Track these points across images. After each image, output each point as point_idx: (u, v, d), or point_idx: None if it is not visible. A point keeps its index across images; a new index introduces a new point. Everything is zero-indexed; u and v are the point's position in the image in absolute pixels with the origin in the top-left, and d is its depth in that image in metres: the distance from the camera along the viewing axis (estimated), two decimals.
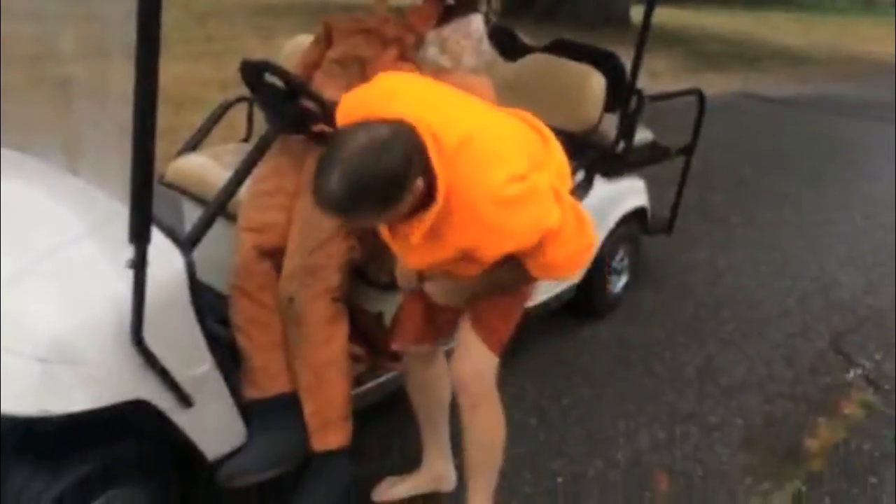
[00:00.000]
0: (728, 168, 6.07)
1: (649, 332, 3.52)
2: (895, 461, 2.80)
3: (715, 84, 9.82)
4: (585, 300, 3.39)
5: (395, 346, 2.21)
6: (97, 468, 1.81)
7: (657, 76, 9.63)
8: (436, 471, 2.38)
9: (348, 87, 2.30)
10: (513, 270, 1.81)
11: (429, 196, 1.64)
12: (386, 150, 1.55)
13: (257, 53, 2.75)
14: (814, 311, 3.88)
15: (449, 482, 2.41)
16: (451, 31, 2.44)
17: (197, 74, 6.18)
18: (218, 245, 2.23)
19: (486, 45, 2.47)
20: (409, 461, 2.45)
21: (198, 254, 1.92)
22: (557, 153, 1.93)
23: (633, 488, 2.57)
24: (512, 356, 3.15)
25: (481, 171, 1.63)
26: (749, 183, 5.80)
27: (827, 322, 3.79)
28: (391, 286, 2.31)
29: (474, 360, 2.00)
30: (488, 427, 2.09)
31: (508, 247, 1.72)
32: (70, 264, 1.77)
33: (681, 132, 3.88)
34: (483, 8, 2.48)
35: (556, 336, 3.37)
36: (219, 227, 2.15)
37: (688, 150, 3.81)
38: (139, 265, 1.64)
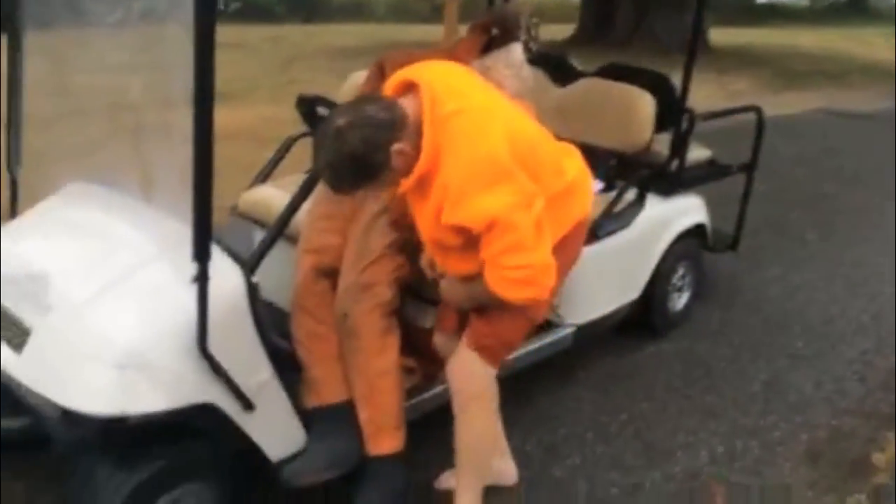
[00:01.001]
0: (806, 184, 5.95)
1: (715, 349, 3.51)
2: None
3: (797, 101, 9.67)
4: (646, 317, 3.43)
5: (437, 339, 2.35)
6: (170, 465, 2.00)
7: (738, 95, 9.56)
8: (495, 467, 2.46)
9: None
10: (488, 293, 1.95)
11: None
12: (342, 139, 1.79)
13: (334, 92, 2.99)
14: (890, 328, 3.77)
15: (509, 476, 2.52)
16: (493, 60, 2.59)
17: (280, 115, 6.55)
18: (282, 267, 2.43)
19: (526, 72, 2.61)
20: None
21: (264, 275, 2.11)
22: (578, 168, 2.10)
23: (689, 500, 2.59)
24: (570, 372, 3.23)
25: (464, 141, 1.83)
26: (827, 199, 5.66)
27: None
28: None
29: (466, 365, 2.14)
30: (474, 429, 2.20)
31: (460, 215, 1.84)
32: (144, 282, 1.99)
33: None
34: (523, 37, 2.61)
35: (617, 353, 3.41)
36: (283, 250, 2.35)
37: (749, 167, 3.79)
38: (202, 280, 1.83)
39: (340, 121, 1.80)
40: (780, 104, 9.57)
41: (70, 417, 2.01)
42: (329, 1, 20.07)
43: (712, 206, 3.68)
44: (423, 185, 1.89)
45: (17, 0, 2.37)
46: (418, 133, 1.84)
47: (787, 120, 8.62)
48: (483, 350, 2.11)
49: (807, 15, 25.59)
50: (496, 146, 1.83)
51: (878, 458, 2.82)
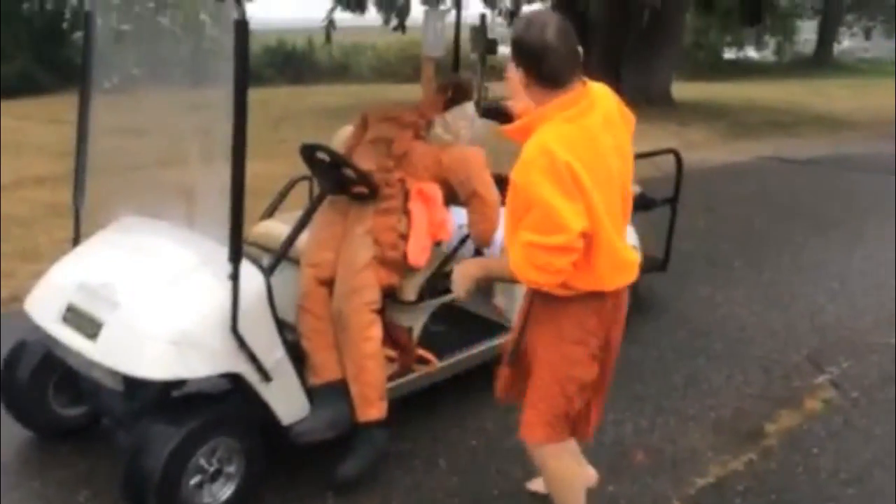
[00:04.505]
0: (740, 221, 6.74)
1: (646, 352, 4.19)
2: (837, 435, 3.39)
3: (748, 150, 10.52)
4: None
5: (495, 394, 2.73)
6: (208, 422, 2.64)
7: (694, 146, 10.37)
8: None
9: (378, 160, 3.23)
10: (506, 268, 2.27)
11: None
12: (566, 27, 2.15)
13: None
14: (797, 333, 4.49)
15: (591, 479, 2.94)
16: (452, 116, 3.33)
17: (271, 172, 7.23)
18: (287, 289, 3.08)
19: (478, 124, 3.35)
20: (438, 442, 3.26)
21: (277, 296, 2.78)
22: None
23: (614, 460, 3.24)
24: None
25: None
26: (757, 233, 6.44)
27: (807, 342, 4.39)
28: (417, 303, 3.16)
29: (539, 457, 2.54)
30: (554, 480, 2.59)
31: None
32: (189, 282, 2.67)
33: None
34: (475, 97, 3.36)
35: None
36: (288, 273, 3.03)
37: (672, 201, 4.53)
38: (235, 277, 2.52)
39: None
40: (732, 152, 10.47)
41: (133, 387, 2.68)
42: (316, 64, 21.11)
43: (653, 237, 4.42)
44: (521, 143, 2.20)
45: (86, 66, 3.07)
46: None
47: (734, 166, 9.50)
48: (548, 439, 2.45)
49: (773, 69, 26.99)
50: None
51: (770, 428, 3.50)
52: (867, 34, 32.53)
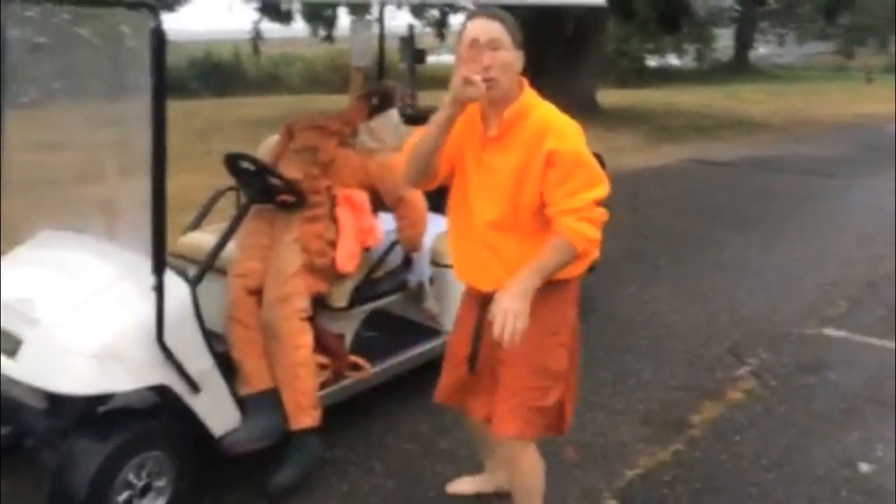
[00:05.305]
0: (664, 221, 6.95)
1: None
2: (758, 423, 3.54)
3: (670, 154, 10.84)
4: None
5: (436, 399, 2.67)
6: (135, 436, 2.60)
7: (619, 150, 10.60)
8: (498, 478, 2.94)
9: (304, 169, 3.23)
10: (557, 251, 2.21)
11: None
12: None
13: None
14: (718, 327, 4.65)
15: (509, 485, 2.78)
16: (376, 123, 3.36)
17: (198, 184, 7.10)
18: (215, 300, 3.05)
19: (402, 130, 3.38)
20: (372, 447, 3.26)
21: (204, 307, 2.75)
22: None
23: (546, 456, 3.28)
24: None
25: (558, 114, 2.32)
26: (681, 232, 6.65)
27: (728, 335, 4.55)
28: (348, 310, 3.17)
29: (513, 452, 2.50)
30: (524, 477, 2.58)
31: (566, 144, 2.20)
32: (111, 295, 2.62)
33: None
34: (399, 104, 3.40)
35: None
36: (216, 284, 3.00)
37: None
38: (159, 288, 2.49)
39: None
40: (655, 156, 10.77)
41: (57, 404, 2.62)
42: (243, 75, 20.84)
43: None
44: (508, 131, 2.27)
45: (0, 79, 2.98)
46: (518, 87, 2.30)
47: (658, 169, 9.78)
48: (521, 433, 2.42)
49: (693, 76, 27.80)
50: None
51: (695, 419, 3.62)
52: (781, 41, 33.85)
